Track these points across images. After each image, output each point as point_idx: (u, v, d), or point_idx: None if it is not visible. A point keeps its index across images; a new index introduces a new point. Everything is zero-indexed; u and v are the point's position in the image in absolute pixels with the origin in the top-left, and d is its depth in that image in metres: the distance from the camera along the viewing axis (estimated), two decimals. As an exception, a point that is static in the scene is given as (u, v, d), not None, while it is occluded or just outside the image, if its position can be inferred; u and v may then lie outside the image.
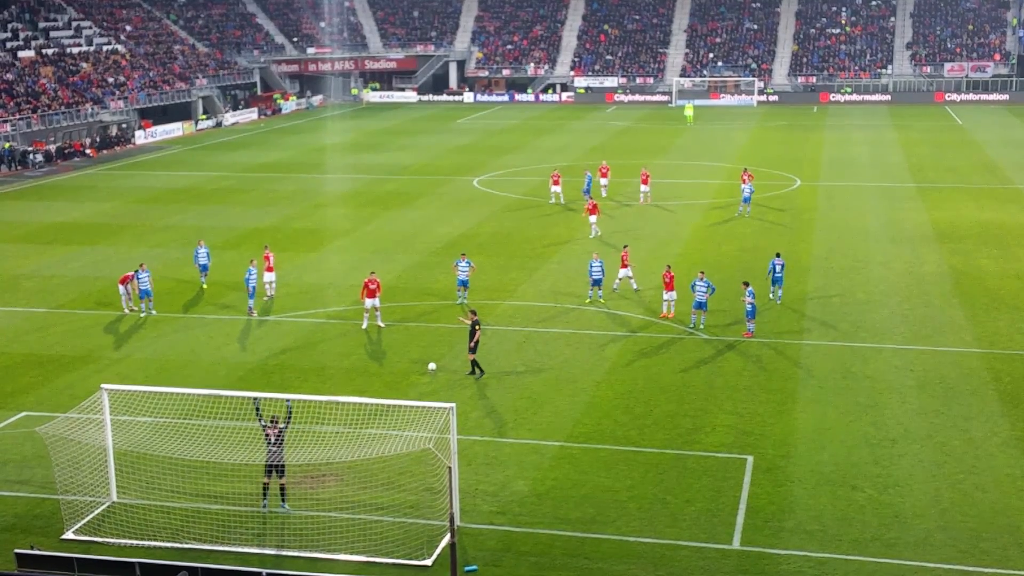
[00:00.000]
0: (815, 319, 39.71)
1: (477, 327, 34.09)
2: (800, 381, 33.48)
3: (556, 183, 62.72)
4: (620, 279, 43.05)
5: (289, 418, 25.48)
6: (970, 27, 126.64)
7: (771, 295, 41.75)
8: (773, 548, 23.66)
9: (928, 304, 41.52)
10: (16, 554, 22.39)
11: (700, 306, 38.46)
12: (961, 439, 29.14)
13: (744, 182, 59.71)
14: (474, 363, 34.37)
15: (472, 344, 34.14)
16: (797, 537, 24.11)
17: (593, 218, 53.20)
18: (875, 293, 43.09)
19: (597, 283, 41.94)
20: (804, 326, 38.92)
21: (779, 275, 41.48)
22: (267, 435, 25.25)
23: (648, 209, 60.43)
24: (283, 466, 25.33)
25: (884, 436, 29.37)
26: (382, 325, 39.44)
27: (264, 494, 25.66)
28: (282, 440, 25.20)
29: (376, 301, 39.18)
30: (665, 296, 39.91)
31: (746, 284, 38.08)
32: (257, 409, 25.70)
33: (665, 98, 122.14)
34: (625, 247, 44.30)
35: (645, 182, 62.39)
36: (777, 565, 23.01)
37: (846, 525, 24.61)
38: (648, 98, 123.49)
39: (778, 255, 42.37)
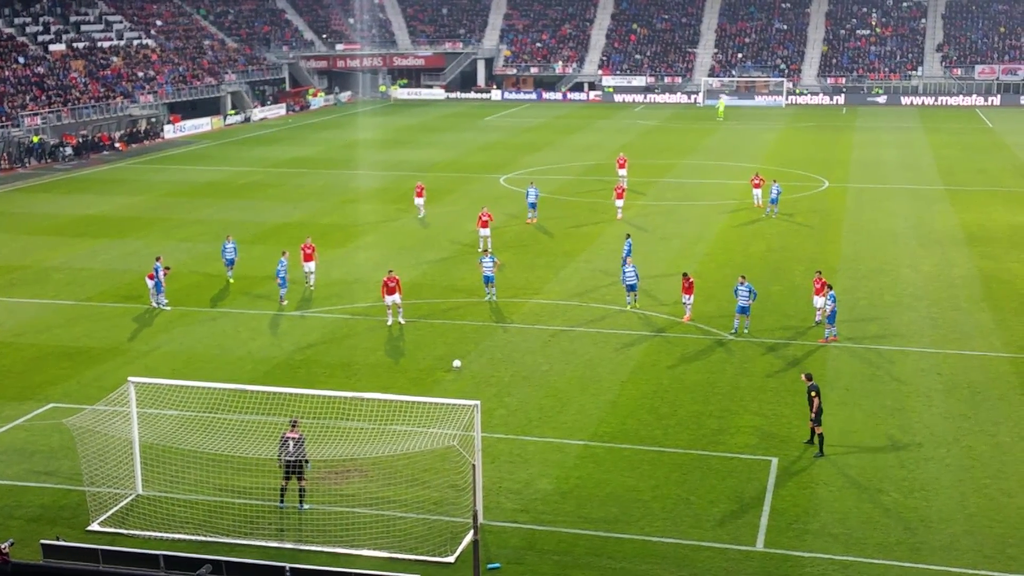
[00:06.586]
0: (842, 321, 39.42)
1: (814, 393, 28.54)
2: (826, 383, 33.25)
3: (420, 195, 58.49)
4: (819, 309, 38.34)
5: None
6: (1002, 29, 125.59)
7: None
8: (797, 550, 23.56)
9: (957, 308, 41.22)
10: (42, 545, 22.51)
11: (743, 311, 37.97)
12: (988, 444, 28.92)
13: (756, 187, 59.32)
14: (817, 435, 28.59)
15: (815, 412, 28.50)
16: (821, 540, 24.00)
17: (485, 231, 49.53)
18: (903, 296, 42.81)
19: (631, 288, 41.09)
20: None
21: (628, 252, 44.57)
22: (285, 439, 25.26)
23: (676, 209, 60.20)
24: (302, 469, 25.32)
25: (910, 440, 29.19)
26: (403, 321, 39.44)
27: (281, 497, 25.73)
28: (302, 443, 25.24)
29: (397, 298, 39.18)
30: (683, 300, 39.68)
31: (829, 287, 37.67)
32: (294, 423, 25.78)
33: (693, 99, 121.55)
34: (818, 273, 39.59)
35: (620, 196, 57.32)
36: (801, 568, 22.91)
37: (871, 528, 24.48)
38: (678, 99, 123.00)
39: (628, 235, 46.08)
